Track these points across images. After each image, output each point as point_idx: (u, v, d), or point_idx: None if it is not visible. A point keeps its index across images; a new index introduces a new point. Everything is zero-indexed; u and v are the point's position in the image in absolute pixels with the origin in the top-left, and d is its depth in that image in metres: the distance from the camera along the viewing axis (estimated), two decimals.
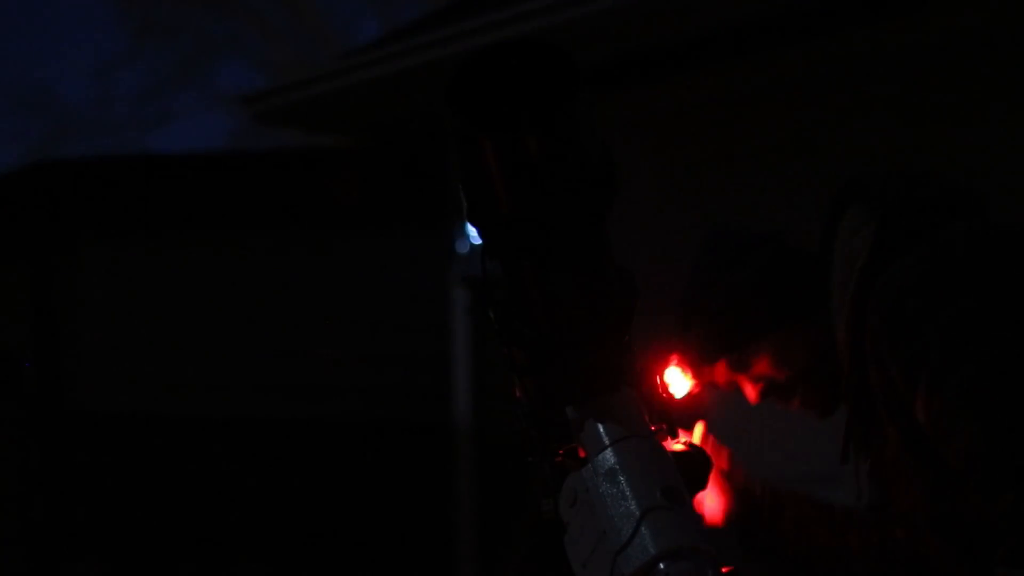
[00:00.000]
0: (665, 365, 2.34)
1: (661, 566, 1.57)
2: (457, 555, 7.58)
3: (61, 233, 7.44)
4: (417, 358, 8.20)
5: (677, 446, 2.20)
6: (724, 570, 1.61)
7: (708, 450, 2.33)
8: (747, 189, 6.35)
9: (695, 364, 2.40)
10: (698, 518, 1.68)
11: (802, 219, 2.54)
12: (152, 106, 30.93)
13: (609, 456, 1.68)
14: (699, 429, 2.44)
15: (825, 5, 6.05)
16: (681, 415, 2.18)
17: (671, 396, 2.30)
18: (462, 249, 7.14)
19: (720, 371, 2.49)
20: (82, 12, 33.61)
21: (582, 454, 1.72)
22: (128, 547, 7.23)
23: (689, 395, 2.36)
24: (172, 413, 7.49)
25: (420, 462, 7.86)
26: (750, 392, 2.49)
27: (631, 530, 1.60)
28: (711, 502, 2.49)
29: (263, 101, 7.72)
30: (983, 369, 2.11)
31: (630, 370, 1.77)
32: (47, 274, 7.42)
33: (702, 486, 2.32)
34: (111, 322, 7.46)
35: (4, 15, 30.23)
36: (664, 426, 1.84)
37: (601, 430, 1.70)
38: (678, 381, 2.36)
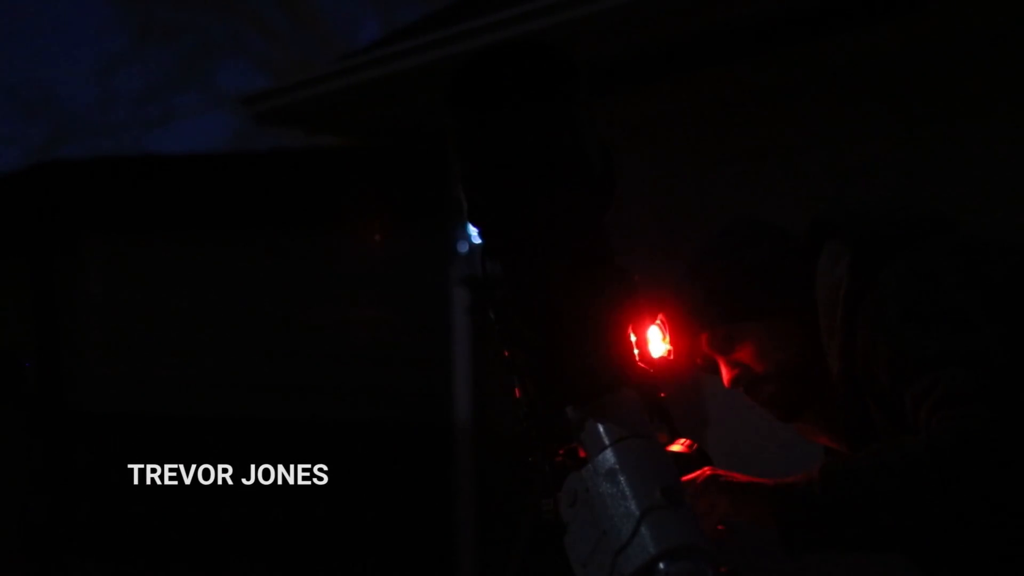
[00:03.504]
0: (647, 323, 2.18)
1: (661, 566, 1.58)
2: (457, 555, 7.58)
3: (62, 233, 7.44)
4: (417, 358, 8.19)
5: (676, 447, 2.20)
6: (723, 570, 1.61)
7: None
8: (747, 189, 6.35)
9: (678, 331, 2.29)
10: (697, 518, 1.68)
11: (802, 218, 2.56)
12: (153, 106, 30.93)
13: (609, 456, 1.68)
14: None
15: (825, 5, 6.05)
16: (648, 378, 2.02)
17: (645, 354, 2.12)
18: (462, 249, 7.14)
19: (701, 345, 2.47)
20: (83, 13, 33.62)
21: (582, 454, 1.72)
22: (128, 547, 7.23)
23: (661, 360, 2.21)
24: (172, 413, 7.49)
25: (420, 462, 7.85)
26: (724, 375, 2.47)
27: (631, 530, 1.61)
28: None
29: (264, 101, 7.73)
30: (965, 361, 2.10)
31: (630, 370, 1.78)
32: (48, 274, 7.42)
33: None
34: (111, 322, 7.46)
35: (5, 17, 30.24)
36: (664, 426, 1.84)
37: (601, 430, 1.70)
38: (656, 343, 2.22)
